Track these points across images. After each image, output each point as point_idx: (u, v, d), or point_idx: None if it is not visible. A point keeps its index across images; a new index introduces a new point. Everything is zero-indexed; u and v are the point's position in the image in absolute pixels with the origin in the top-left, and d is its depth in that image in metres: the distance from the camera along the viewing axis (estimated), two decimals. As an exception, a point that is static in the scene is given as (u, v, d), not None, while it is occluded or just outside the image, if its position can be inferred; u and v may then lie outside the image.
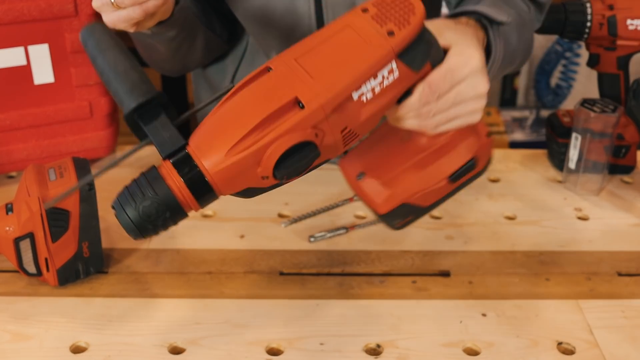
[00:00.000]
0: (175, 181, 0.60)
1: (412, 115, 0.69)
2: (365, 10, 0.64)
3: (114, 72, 0.64)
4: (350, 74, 0.61)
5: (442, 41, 0.68)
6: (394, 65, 0.63)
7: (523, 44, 0.92)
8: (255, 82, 0.61)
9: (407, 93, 0.67)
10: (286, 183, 0.63)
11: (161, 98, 0.63)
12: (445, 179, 0.72)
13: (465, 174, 0.74)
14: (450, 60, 0.68)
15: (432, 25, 0.68)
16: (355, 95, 0.62)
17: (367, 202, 0.73)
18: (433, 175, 0.72)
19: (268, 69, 0.62)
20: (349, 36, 0.63)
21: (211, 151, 0.59)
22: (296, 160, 0.60)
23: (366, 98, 0.62)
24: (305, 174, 0.64)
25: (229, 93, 0.62)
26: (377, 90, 0.63)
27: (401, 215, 0.73)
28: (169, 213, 0.60)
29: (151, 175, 0.61)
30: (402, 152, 0.73)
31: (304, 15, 0.96)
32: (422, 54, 0.65)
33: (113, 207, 0.62)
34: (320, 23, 0.97)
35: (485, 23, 0.81)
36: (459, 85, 0.68)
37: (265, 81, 0.61)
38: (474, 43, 0.71)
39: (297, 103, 0.60)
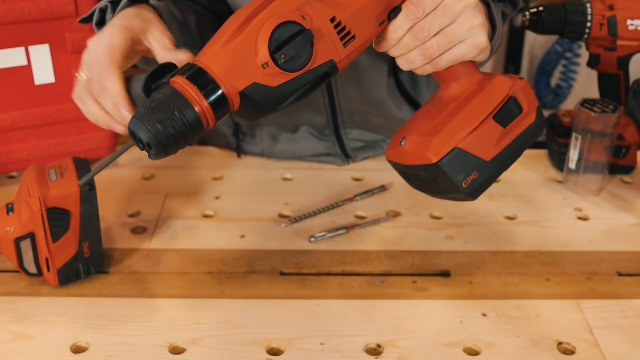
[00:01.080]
0: (192, 92, 0.61)
1: (406, 34, 0.67)
2: None
3: None
4: None
5: None
6: None
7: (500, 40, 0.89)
8: None
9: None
10: (292, 77, 0.63)
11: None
12: (490, 119, 0.68)
13: (512, 117, 0.69)
14: None
15: None
16: None
17: (418, 161, 0.68)
18: (474, 113, 0.68)
19: None
20: None
21: (210, 50, 0.62)
22: (291, 43, 0.61)
23: None
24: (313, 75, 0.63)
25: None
26: None
27: (461, 167, 0.67)
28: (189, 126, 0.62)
29: (175, 98, 0.61)
30: (436, 109, 0.71)
31: None
32: None
33: (135, 129, 0.61)
34: None
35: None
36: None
37: None
38: None
39: None
